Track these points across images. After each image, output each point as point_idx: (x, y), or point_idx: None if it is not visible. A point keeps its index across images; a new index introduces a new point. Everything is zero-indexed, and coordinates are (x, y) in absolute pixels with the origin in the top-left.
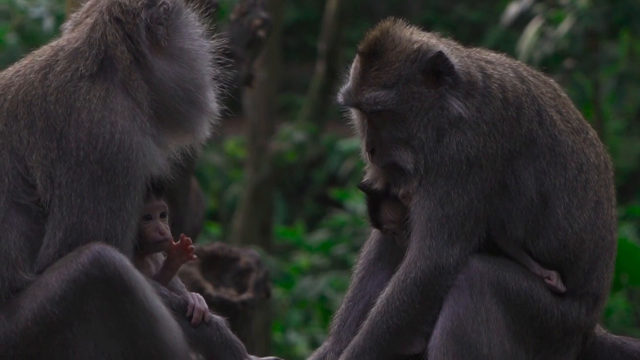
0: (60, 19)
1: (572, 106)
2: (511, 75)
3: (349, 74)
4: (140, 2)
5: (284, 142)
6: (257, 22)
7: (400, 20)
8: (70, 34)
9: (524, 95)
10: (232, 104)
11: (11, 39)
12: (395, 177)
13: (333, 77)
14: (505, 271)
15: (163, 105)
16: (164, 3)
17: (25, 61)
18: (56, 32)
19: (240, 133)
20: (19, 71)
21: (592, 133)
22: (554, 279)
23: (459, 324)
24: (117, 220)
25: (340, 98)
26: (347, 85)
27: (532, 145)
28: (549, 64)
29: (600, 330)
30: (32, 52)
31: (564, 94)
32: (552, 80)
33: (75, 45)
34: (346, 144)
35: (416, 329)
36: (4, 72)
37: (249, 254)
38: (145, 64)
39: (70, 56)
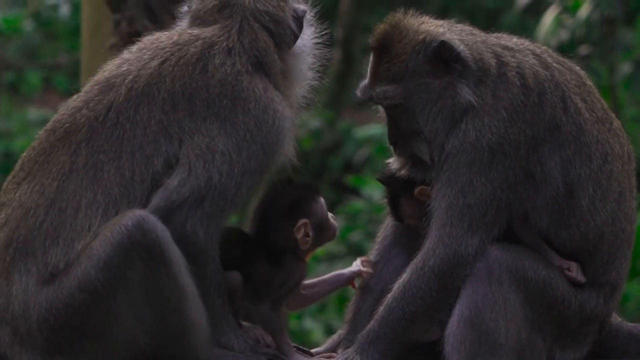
0: (76, 6)
1: (598, 95)
2: (532, 61)
3: (368, 69)
4: (286, 12)
5: (300, 128)
6: None
7: (411, 10)
8: (214, 31)
9: (547, 82)
10: None
11: (27, 25)
12: (418, 167)
13: (350, 64)
14: (523, 259)
15: (294, 104)
16: (303, 10)
17: (166, 51)
18: (72, 19)
19: None
20: (164, 62)
21: (617, 123)
22: (574, 271)
23: (477, 312)
24: (250, 193)
25: (358, 93)
26: (364, 80)
27: (556, 132)
28: (565, 51)
29: (616, 318)
30: (168, 39)
31: (589, 82)
32: (577, 68)
33: (230, 44)
34: (362, 131)
35: (432, 317)
36: (140, 60)
37: None
38: (287, 70)
39: (225, 52)
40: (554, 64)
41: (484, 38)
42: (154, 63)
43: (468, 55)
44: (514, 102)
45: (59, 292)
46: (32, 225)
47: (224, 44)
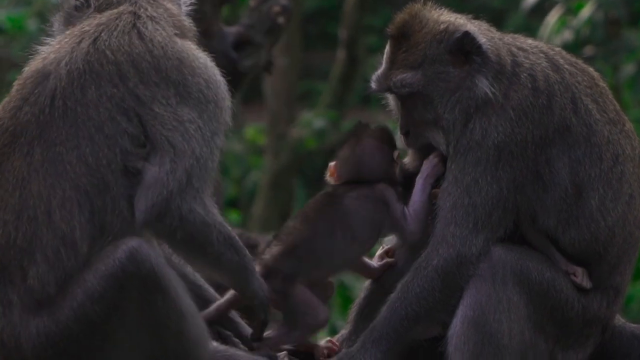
0: None
1: (610, 96)
2: (544, 64)
3: (382, 60)
4: None
5: (304, 129)
6: (276, 8)
7: (430, 2)
8: (130, 6)
9: (556, 84)
10: (252, 90)
11: (32, 24)
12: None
13: (353, 65)
14: (528, 260)
15: None
16: None
17: (93, 31)
18: None
19: (261, 120)
20: (97, 39)
21: (629, 125)
22: (579, 276)
23: (480, 313)
24: (219, 157)
25: (372, 85)
26: (379, 70)
27: (566, 133)
28: (569, 51)
29: (619, 319)
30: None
31: (602, 84)
32: (591, 69)
33: (152, 13)
34: None
35: (435, 317)
36: (67, 45)
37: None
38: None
39: (150, 19)
40: (566, 66)
41: (500, 36)
42: (85, 43)
43: (489, 47)
44: (522, 103)
45: (53, 325)
46: (3, 246)
47: (148, 13)
